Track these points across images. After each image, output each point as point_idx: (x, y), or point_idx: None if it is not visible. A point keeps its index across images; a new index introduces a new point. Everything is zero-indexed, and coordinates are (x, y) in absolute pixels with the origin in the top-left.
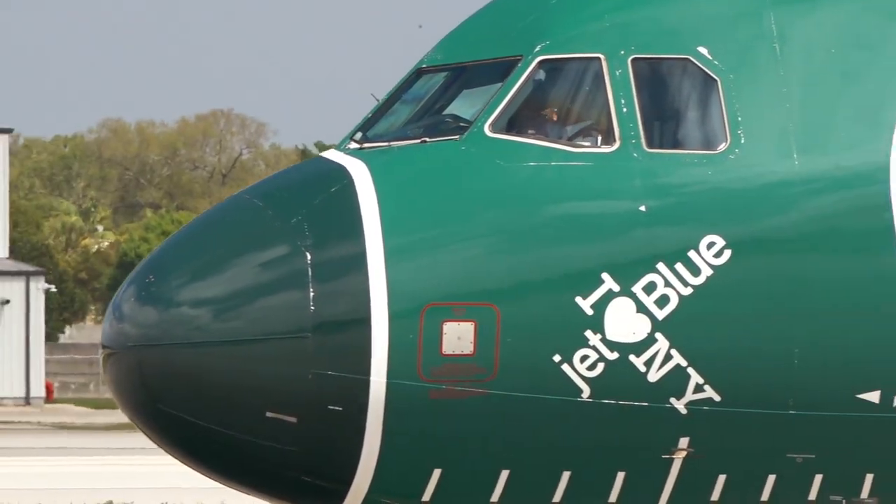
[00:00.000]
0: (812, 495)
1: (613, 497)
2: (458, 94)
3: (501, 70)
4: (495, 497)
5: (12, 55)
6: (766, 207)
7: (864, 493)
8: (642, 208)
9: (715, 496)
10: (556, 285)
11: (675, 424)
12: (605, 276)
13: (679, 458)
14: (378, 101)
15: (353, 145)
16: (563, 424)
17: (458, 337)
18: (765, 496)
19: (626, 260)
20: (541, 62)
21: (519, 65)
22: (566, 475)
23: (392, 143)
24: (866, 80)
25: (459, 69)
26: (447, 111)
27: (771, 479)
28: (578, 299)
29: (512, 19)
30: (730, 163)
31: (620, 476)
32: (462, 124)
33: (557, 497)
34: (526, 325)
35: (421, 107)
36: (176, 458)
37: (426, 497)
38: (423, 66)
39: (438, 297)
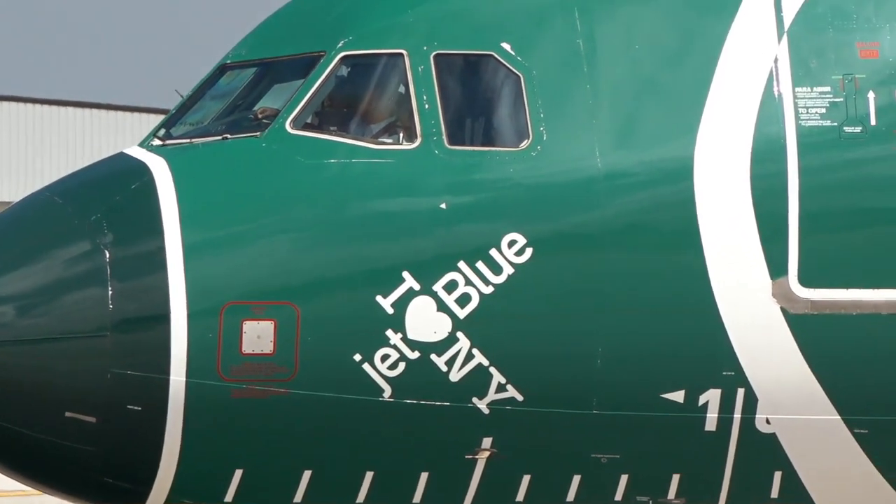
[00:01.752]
0: (618, 496)
1: (417, 497)
2: (268, 90)
3: (304, 66)
4: (298, 497)
5: None
6: (568, 205)
7: (671, 494)
8: (443, 206)
9: (520, 497)
10: (357, 284)
11: (478, 424)
12: (405, 274)
13: (483, 458)
14: (182, 97)
15: (156, 142)
16: (365, 424)
17: (257, 336)
18: (570, 497)
19: (427, 258)
20: (343, 58)
21: (321, 61)
22: (369, 475)
23: (194, 140)
24: (671, 77)
25: (265, 65)
26: (257, 107)
27: (576, 479)
28: (379, 298)
29: (316, 15)
30: (532, 160)
31: (424, 476)
32: (265, 121)
33: (361, 497)
34: (326, 324)
35: (227, 103)
36: None
37: (228, 498)
38: (228, 62)
39: (238, 296)
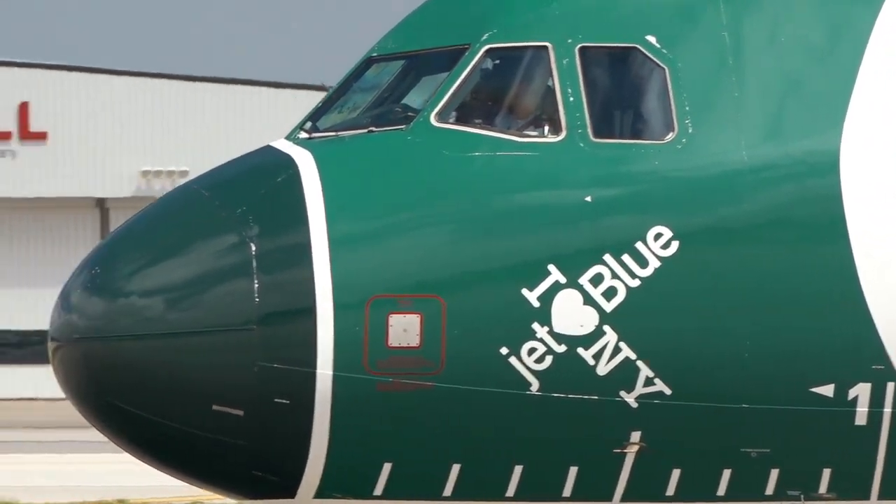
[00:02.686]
0: (769, 490)
1: (567, 492)
2: (415, 83)
3: (449, 59)
4: (447, 491)
5: None
6: (714, 198)
7: (822, 489)
8: (588, 199)
9: (670, 491)
10: (503, 277)
11: (627, 418)
12: (551, 267)
13: (631, 452)
14: (329, 90)
15: (303, 135)
16: (513, 418)
17: (403, 329)
18: (721, 491)
19: (573, 251)
20: (488, 51)
21: (466, 54)
22: (518, 469)
23: (340, 133)
24: (817, 69)
25: (411, 58)
26: (405, 100)
27: (726, 473)
28: (525, 291)
29: (462, 7)
30: (677, 153)
31: (573, 470)
32: (410, 114)
33: (510, 492)
34: (472, 318)
35: (373, 96)
36: (127, 452)
37: (377, 491)
38: (374, 54)
39: (384, 289)
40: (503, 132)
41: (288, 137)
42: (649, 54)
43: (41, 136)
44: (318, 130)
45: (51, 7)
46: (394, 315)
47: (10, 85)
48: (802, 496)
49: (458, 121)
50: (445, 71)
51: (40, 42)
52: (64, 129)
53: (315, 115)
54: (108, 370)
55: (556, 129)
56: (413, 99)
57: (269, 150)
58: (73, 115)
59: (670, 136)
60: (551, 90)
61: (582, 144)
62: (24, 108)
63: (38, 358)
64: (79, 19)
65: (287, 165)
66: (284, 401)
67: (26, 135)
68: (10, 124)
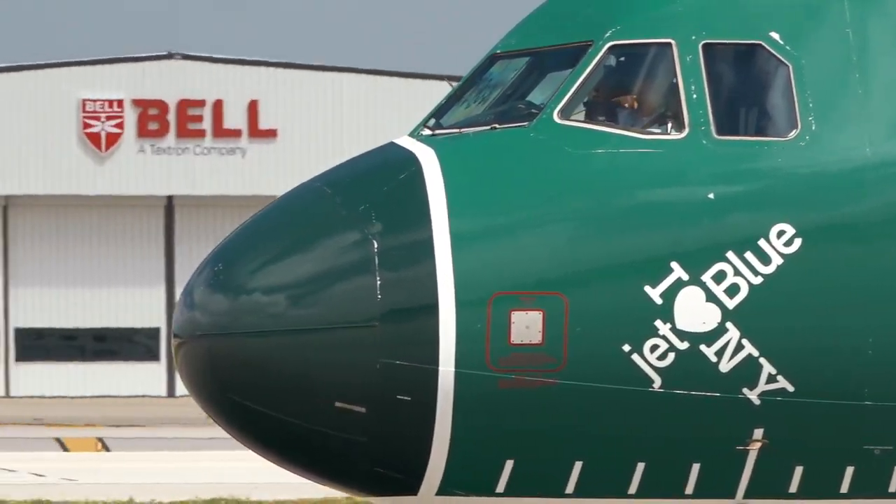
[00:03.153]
0: (893, 487)
1: (689, 489)
2: (540, 80)
3: (572, 56)
4: (570, 489)
5: None
6: (837, 195)
7: None
8: (711, 196)
9: (793, 488)
10: (625, 274)
11: (749, 415)
12: (674, 264)
13: (754, 449)
14: (452, 87)
15: (426, 132)
16: (635, 415)
17: (526, 326)
18: (844, 488)
19: (696, 248)
20: (611, 48)
21: (589, 50)
22: (640, 466)
23: (463, 130)
24: None
25: (535, 54)
26: (528, 97)
27: (849, 470)
28: (647, 288)
29: (585, 4)
30: (801, 150)
31: (695, 468)
32: (533, 111)
33: (633, 489)
34: (595, 315)
35: (498, 93)
36: (249, 448)
37: (500, 489)
38: (498, 51)
39: (506, 286)
40: (626, 129)
41: (411, 134)
42: (773, 51)
43: (271, 134)
44: (441, 127)
45: (277, 6)
46: (516, 312)
47: (240, 83)
48: None
49: (581, 117)
50: (568, 68)
51: (271, 40)
52: (293, 127)
53: (439, 113)
54: (231, 367)
55: (678, 126)
56: (536, 96)
57: (391, 147)
58: (302, 113)
59: (793, 134)
60: (674, 87)
61: (705, 141)
62: (253, 106)
63: None
64: (308, 18)
65: (409, 162)
66: (406, 398)
67: (256, 132)
68: (241, 122)
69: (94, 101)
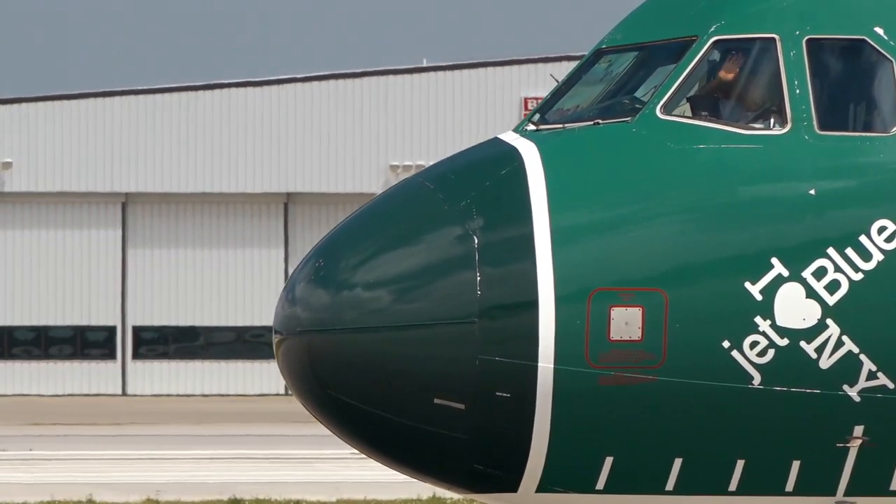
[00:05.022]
0: None
1: (790, 486)
2: (643, 75)
3: (677, 51)
4: (670, 486)
5: None
6: None
7: None
8: (812, 192)
9: (894, 486)
10: (725, 270)
11: (850, 412)
12: (774, 260)
13: (855, 446)
14: (558, 82)
15: (530, 127)
16: (735, 412)
17: (625, 322)
18: None
19: (796, 244)
20: (715, 42)
21: (693, 45)
22: (740, 463)
23: (567, 125)
24: None
25: (639, 50)
26: (632, 92)
27: None
28: (748, 284)
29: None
30: None
31: (796, 465)
32: (636, 106)
33: (733, 486)
34: (694, 311)
35: (603, 88)
36: (348, 444)
37: (599, 485)
38: (603, 46)
39: (606, 282)
40: (728, 124)
41: (516, 130)
42: (877, 46)
43: None
44: (546, 122)
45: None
46: (616, 308)
47: None
48: None
49: (684, 113)
50: (673, 63)
51: None
52: None
53: (543, 108)
54: (330, 363)
55: (781, 122)
56: (640, 91)
57: (495, 143)
58: None
59: None
60: (778, 82)
61: (807, 137)
62: None
63: None
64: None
65: (511, 158)
66: (506, 394)
67: None
68: None
69: None
